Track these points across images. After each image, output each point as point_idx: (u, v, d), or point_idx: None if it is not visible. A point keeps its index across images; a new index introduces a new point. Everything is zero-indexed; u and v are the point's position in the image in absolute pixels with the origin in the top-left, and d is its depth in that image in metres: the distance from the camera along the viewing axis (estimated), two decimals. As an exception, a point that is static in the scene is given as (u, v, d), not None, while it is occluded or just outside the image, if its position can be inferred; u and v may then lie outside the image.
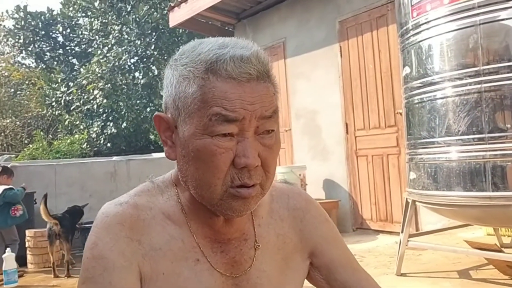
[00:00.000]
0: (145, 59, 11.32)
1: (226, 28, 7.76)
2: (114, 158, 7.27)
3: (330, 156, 6.01)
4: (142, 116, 11.58)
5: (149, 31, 10.67)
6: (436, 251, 3.57)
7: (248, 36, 7.23)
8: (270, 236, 0.98)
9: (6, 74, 14.38)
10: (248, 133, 0.82)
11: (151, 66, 11.44)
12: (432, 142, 2.81)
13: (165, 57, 11.57)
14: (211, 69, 0.81)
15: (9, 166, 6.25)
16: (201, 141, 0.82)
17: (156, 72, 11.97)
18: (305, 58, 6.29)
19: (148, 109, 11.78)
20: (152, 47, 10.96)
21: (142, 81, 10.99)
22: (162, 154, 8.43)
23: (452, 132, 2.72)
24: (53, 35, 12.67)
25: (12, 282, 4.44)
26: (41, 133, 11.31)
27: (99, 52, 10.98)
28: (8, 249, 4.65)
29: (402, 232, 3.19)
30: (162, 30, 10.69)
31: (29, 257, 5.31)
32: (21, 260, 5.10)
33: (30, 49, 12.24)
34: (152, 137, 11.24)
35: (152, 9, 10.48)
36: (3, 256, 4.52)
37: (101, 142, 10.87)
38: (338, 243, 1.05)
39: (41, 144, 10.26)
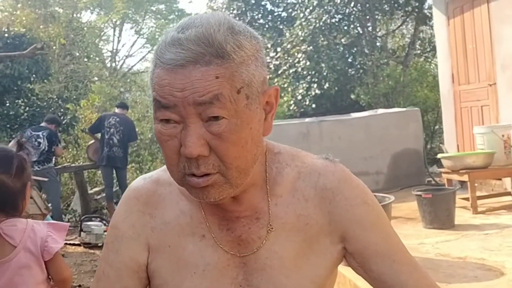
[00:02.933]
0: (345, 18, 11.16)
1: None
2: (307, 119, 7.47)
3: (544, 114, 5.11)
4: (348, 75, 11.53)
5: (351, -11, 10.46)
6: None
7: (445, -19, 6.50)
8: (289, 216, 0.93)
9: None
10: (189, 120, 0.79)
11: (352, 24, 11.22)
12: None
13: (366, 15, 11.19)
14: (157, 54, 0.81)
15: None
16: (155, 126, 0.84)
17: (360, 30, 11.69)
18: (513, -2, 5.38)
19: (351, 69, 11.66)
20: (352, 4, 10.71)
21: (343, 41, 10.88)
22: (359, 114, 8.31)
23: None
24: (262, 3, 13.44)
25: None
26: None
27: (301, 15, 11.24)
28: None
29: None
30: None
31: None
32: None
33: (243, 19, 13.28)
34: (353, 96, 11.11)
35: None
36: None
37: (307, 103, 11.24)
38: (376, 229, 0.94)
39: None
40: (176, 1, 25.33)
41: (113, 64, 22.02)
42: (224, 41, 0.78)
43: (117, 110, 7.69)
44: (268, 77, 0.88)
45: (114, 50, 22.96)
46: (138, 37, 24.42)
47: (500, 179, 5.77)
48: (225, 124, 0.78)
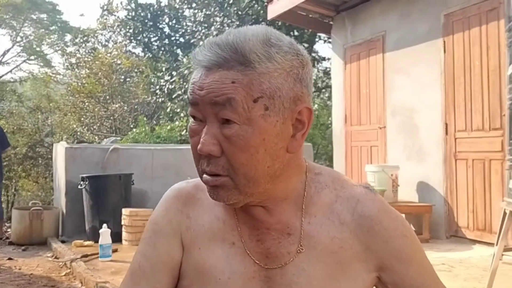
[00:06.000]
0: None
1: (324, 21, 7.64)
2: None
3: (427, 158, 5.70)
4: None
5: (250, 23, 10.83)
6: (537, 269, 3.24)
7: (346, 29, 7.05)
8: (322, 236, 0.92)
9: (118, 62, 15.41)
10: (208, 119, 0.82)
11: (250, 58, 11.62)
12: (538, 149, 2.54)
13: (264, 49, 11.62)
14: (193, 55, 0.86)
15: (112, 148, 6.67)
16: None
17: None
18: (406, 52, 6.00)
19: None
20: (252, 39, 11.09)
21: (240, 73, 11.17)
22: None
23: (563, 139, 2.43)
24: (160, 26, 13.36)
25: (106, 256, 4.75)
26: (145, 118, 11.99)
27: (201, 43, 11.38)
28: (104, 224, 4.97)
29: (496, 244, 2.93)
30: (262, 23, 10.82)
31: (124, 234, 5.64)
32: (117, 237, 5.42)
33: (139, 38, 13.07)
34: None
35: (253, 2, 10.63)
36: (100, 231, 4.84)
37: (199, 130, 11.27)
38: (414, 263, 0.95)
39: (143, 129, 10.88)
40: (60, 12, 24.03)
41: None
42: (249, 50, 0.80)
43: None
44: (309, 96, 0.88)
45: (-15, 55, 20.93)
46: (13, 45, 22.57)
47: (385, 215, 6.27)
48: (235, 129, 0.80)
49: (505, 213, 2.92)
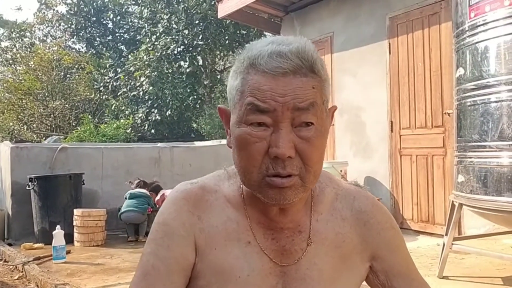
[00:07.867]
0: (191, 49, 11.48)
1: (274, 20, 7.78)
2: (159, 144, 7.43)
3: (373, 154, 5.97)
4: (185, 104, 11.76)
5: (197, 21, 10.79)
6: (479, 256, 3.52)
7: (295, 29, 7.23)
8: (328, 232, 1.01)
9: (57, 58, 14.88)
10: (282, 124, 0.86)
11: (197, 56, 11.60)
12: (484, 146, 2.77)
13: (211, 48, 11.67)
14: (252, 64, 0.88)
15: (60, 147, 6.49)
16: (239, 129, 0.89)
17: (201, 62, 12.12)
18: (353, 53, 6.25)
19: (191, 98, 11.97)
20: (199, 37, 11.07)
21: (188, 70, 11.15)
22: (205, 143, 8.56)
23: (505, 137, 2.67)
24: (104, 22, 13.04)
25: (60, 257, 4.64)
26: (89, 116, 11.68)
27: (147, 40, 11.21)
28: (58, 226, 4.86)
29: (446, 234, 3.16)
30: (210, 21, 10.81)
31: (76, 235, 5.52)
32: (68, 238, 5.30)
33: (81, 34, 12.69)
34: (194, 125, 11.39)
35: (201, 0, 10.63)
36: (53, 232, 4.73)
37: (145, 128, 11.12)
38: (400, 251, 1.07)
39: (88, 127, 10.61)
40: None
41: None
42: (316, 59, 0.89)
43: None
44: None
45: None
46: None
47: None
48: (313, 130, 0.88)
49: (453, 205, 3.15)
